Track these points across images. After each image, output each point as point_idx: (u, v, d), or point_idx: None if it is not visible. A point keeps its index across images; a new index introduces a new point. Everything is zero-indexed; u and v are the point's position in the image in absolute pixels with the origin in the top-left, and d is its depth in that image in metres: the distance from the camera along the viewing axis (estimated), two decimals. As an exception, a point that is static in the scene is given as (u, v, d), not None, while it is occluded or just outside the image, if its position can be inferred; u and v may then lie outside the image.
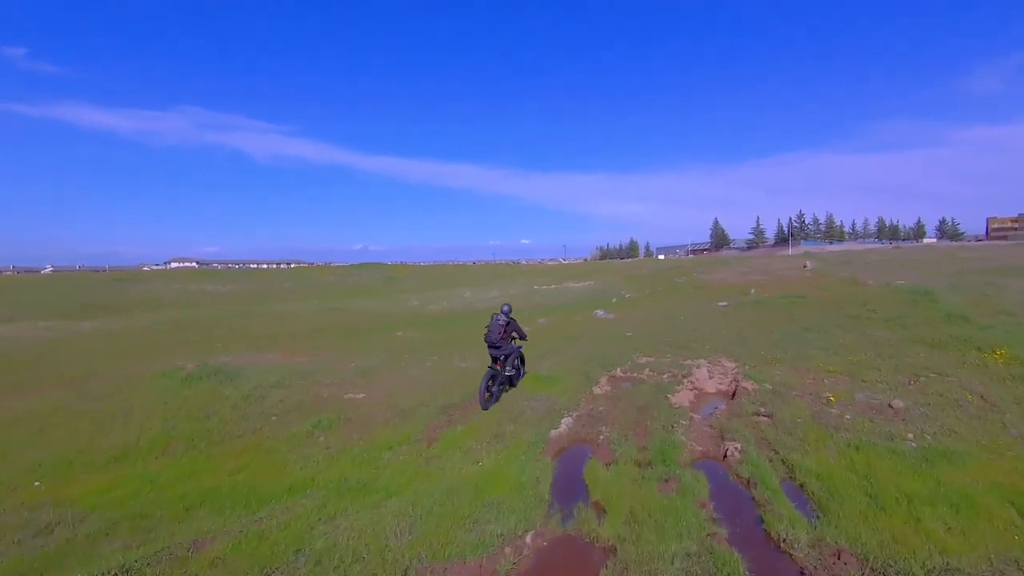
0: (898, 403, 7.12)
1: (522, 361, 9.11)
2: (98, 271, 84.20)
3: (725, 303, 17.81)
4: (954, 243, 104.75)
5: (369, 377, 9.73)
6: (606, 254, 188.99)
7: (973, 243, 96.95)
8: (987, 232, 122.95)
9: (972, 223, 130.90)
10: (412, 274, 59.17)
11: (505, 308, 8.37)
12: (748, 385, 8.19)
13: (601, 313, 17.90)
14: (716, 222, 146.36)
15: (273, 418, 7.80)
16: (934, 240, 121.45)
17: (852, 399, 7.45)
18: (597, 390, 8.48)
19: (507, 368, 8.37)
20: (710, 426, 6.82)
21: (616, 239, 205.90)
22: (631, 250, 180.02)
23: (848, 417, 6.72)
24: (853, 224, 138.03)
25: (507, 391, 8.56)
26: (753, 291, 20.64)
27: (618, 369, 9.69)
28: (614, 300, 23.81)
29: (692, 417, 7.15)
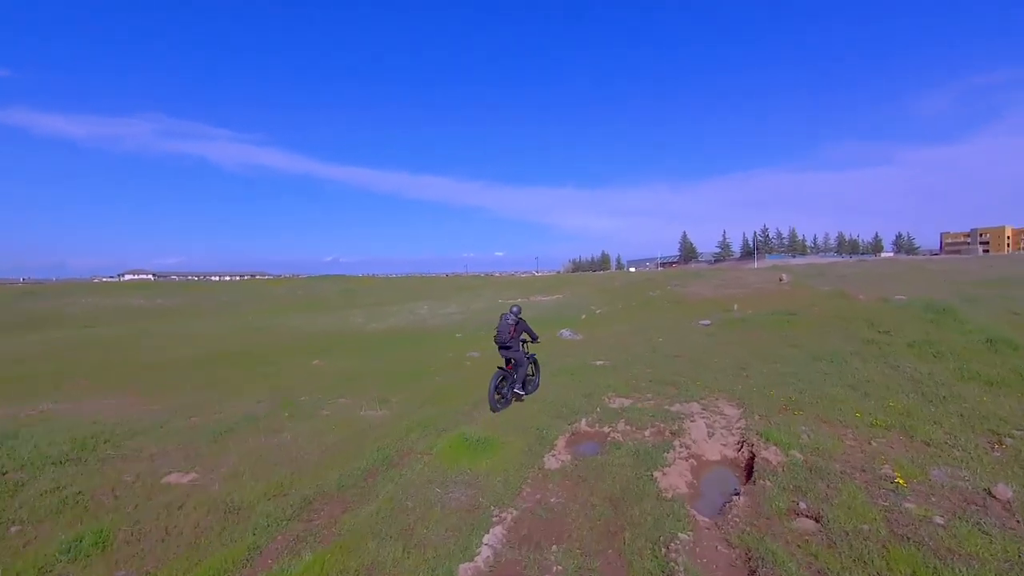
0: (1003, 490, 4.65)
1: (537, 368, 8.76)
2: (10, 284, 76.52)
3: (708, 321, 15.49)
4: (916, 256, 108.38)
5: (221, 442, 6.67)
6: (578, 267, 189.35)
7: (934, 257, 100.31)
8: (941, 246, 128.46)
9: (926, 238, 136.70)
10: (373, 287, 55.39)
11: (515, 309, 8.15)
12: (768, 451, 5.60)
13: (567, 334, 15.29)
14: (684, 236, 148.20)
15: (12, 529, 4.68)
16: (891, 254, 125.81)
17: (927, 479, 4.95)
18: (551, 462, 5.72)
19: (517, 385, 7.95)
20: (727, 542, 4.15)
21: (588, 252, 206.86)
22: (603, 263, 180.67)
23: (940, 522, 4.20)
24: (815, 238, 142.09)
25: (520, 400, 8.03)
26: (736, 307, 18.54)
27: (583, 421, 6.97)
28: (583, 317, 21.35)
29: (695, 520, 4.47)
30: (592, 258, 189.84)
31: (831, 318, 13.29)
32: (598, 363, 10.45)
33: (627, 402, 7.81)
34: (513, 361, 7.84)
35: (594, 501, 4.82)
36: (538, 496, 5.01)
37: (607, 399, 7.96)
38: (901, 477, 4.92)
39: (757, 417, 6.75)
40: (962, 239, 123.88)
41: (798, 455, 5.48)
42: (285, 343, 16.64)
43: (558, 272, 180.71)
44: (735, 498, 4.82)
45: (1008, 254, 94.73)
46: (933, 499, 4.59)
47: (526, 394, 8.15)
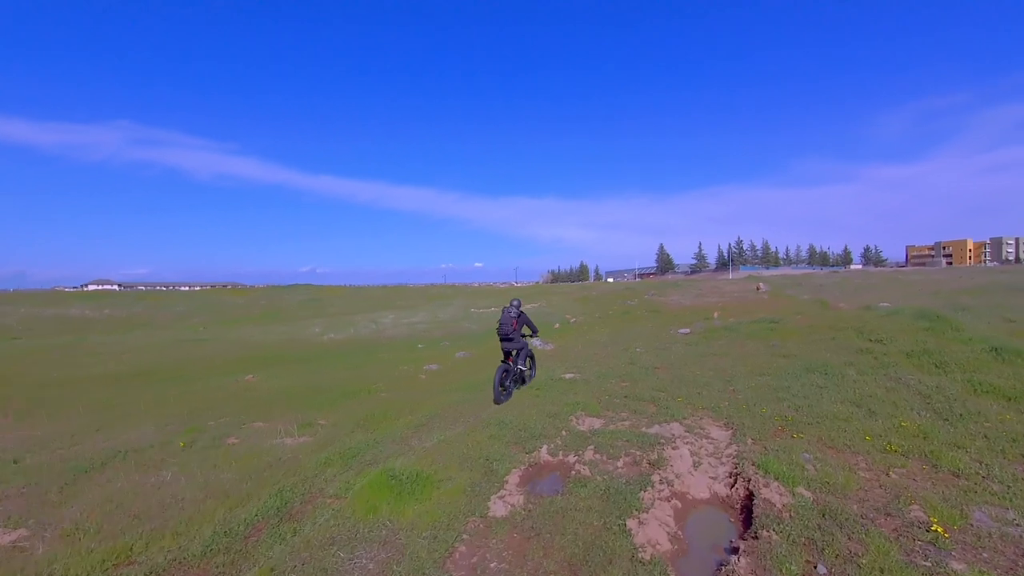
0: (1071, 540, 3.63)
1: (533, 361, 8.94)
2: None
3: (687, 330, 14.54)
4: (886, 268, 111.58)
5: (81, 482, 5.21)
6: (557, 277, 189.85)
7: (903, 268, 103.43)
8: (907, 259, 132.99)
9: (892, 251, 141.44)
10: (341, 296, 53.23)
11: (515, 302, 8.37)
12: (769, 488, 4.48)
13: (537, 343, 14.11)
14: (661, 247, 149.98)
15: None
16: (860, 266, 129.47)
17: (968, 524, 3.90)
18: (498, 507, 4.47)
19: (519, 363, 8.22)
20: (727, 634, 2.98)
21: (567, 263, 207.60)
22: (581, 273, 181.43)
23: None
24: (787, 250, 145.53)
25: (519, 389, 8.26)
26: (716, 315, 17.73)
27: (544, 448, 5.75)
28: (557, 326, 20.25)
29: (682, 595, 3.30)
30: (571, 269, 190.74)
31: (817, 326, 12.47)
32: (568, 376, 9.28)
33: (598, 423, 6.64)
34: (514, 352, 8.12)
35: (548, 567, 3.60)
36: (474, 559, 3.75)
37: (575, 420, 6.77)
38: (938, 523, 3.85)
39: (750, 441, 5.66)
40: (926, 252, 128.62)
41: (806, 493, 4.37)
42: (224, 356, 14.96)
43: (537, 283, 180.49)
44: (732, 557, 3.66)
45: (970, 266, 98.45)
46: (985, 554, 3.53)
47: (524, 384, 8.60)
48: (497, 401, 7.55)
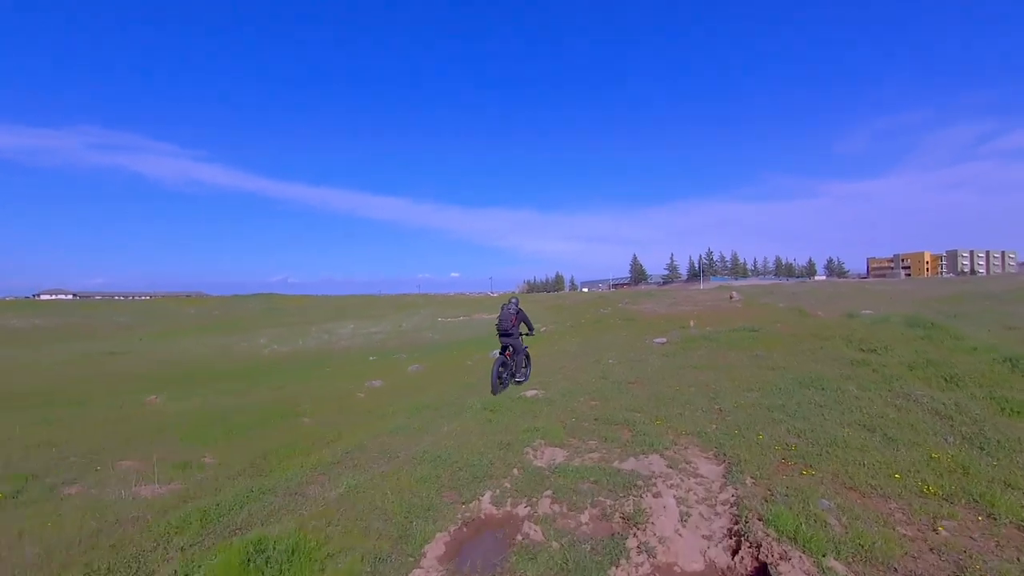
0: None
1: (528, 360, 9.14)
2: None
3: (663, 339, 13.47)
4: (850, 279, 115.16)
5: None
6: (533, 287, 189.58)
7: (866, 279, 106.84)
8: (868, 270, 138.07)
9: (854, 262, 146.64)
10: (303, 306, 50.51)
11: (515, 300, 8.91)
12: (786, 560, 3.22)
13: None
14: (635, 258, 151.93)
15: None
16: (823, 277, 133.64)
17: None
18: (403, 599, 3.06)
19: (517, 373, 8.66)
20: None
21: (544, 274, 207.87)
22: (557, 283, 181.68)
23: None
24: (755, 261, 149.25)
25: (515, 383, 8.61)
26: (692, 323, 16.79)
27: (486, 496, 4.38)
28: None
29: None
30: (547, 279, 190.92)
31: (801, 335, 11.57)
32: (530, 394, 7.94)
33: (561, 455, 5.32)
34: (512, 348, 8.45)
35: None
36: None
37: (532, 451, 5.42)
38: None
39: (750, 481, 4.44)
40: (886, 264, 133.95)
41: (839, 568, 3.13)
42: (137, 372, 12.95)
43: (513, 292, 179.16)
44: None
45: (928, 277, 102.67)
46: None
47: (519, 383, 8.77)
48: (495, 392, 7.86)
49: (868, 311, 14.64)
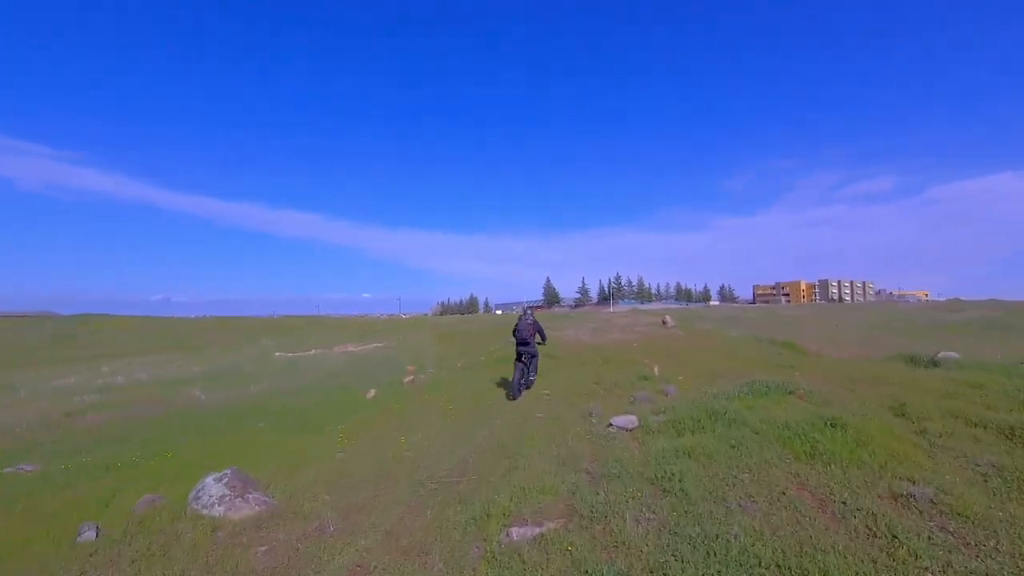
0: None
1: (536, 369, 9.65)
2: None
3: (626, 421, 6.32)
4: (740, 304, 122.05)
5: None
6: (447, 309, 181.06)
7: (753, 304, 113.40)
8: (754, 297, 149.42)
9: (741, 289, 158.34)
10: (119, 329, 37.28)
11: (529, 311, 9.74)
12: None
13: (216, 505, 4.88)
14: (548, 280, 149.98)
15: None
16: (717, 302, 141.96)
17: None
18: None
19: (531, 371, 9.33)
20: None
21: (458, 295, 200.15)
22: (471, 305, 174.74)
23: None
24: (658, 287, 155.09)
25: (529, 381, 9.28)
26: (656, 370, 10.31)
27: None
28: (371, 394, 11.15)
29: None
30: (461, 300, 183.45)
31: (893, 402, 5.30)
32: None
33: None
34: (527, 355, 9.17)
35: None
36: None
37: None
38: None
39: None
40: (769, 291, 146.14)
41: None
42: None
43: (426, 314, 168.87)
44: None
45: (807, 303, 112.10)
46: None
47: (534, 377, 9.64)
48: (515, 397, 8.66)
49: (949, 353, 9.01)
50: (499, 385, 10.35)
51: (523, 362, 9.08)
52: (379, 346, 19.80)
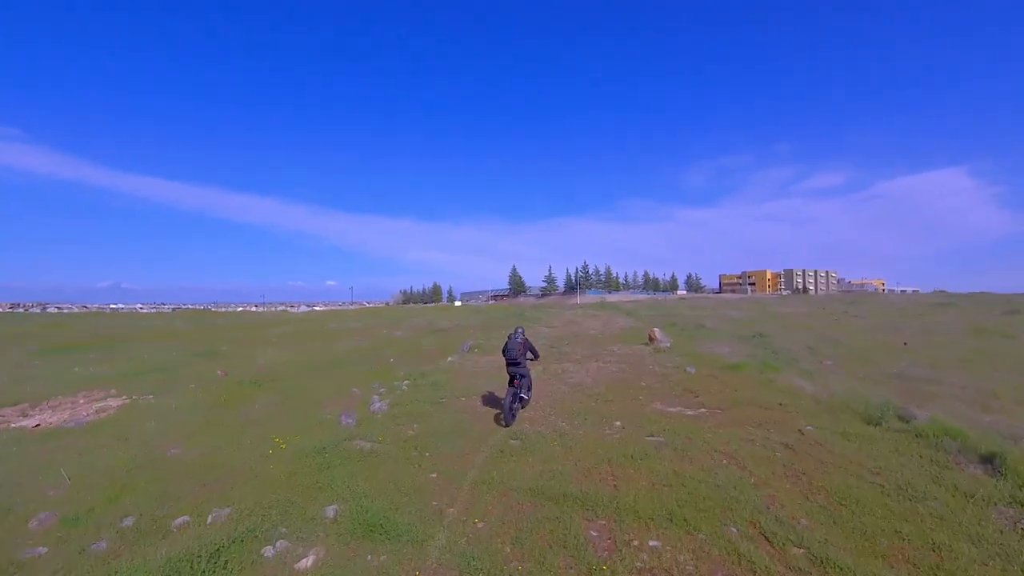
0: None
1: (529, 387, 9.21)
2: None
3: None
4: (708, 295, 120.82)
5: None
6: (409, 298, 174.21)
7: (720, 294, 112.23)
8: (720, 286, 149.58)
9: (708, 278, 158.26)
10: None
11: (520, 329, 8.94)
12: None
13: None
14: (514, 269, 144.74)
15: None
16: (684, 292, 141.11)
17: None
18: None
19: (522, 391, 8.74)
20: None
21: (421, 284, 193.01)
22: (434, 294, 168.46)
23: None
24: (626, 276, 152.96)
25: (521, 399, 8.76)
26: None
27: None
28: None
29: None
30: (424, 289, 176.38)
31: None
32: None
33: None
34: (519, 376, 8.58)
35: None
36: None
37: None
38: None
39: None
40: (735, 280, 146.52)
41: None
42: None
43: (386, 303, 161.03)
44: None
45: (772, 293, 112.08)
46: None
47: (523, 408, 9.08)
48: (508, 423, 8.11)
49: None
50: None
51: (514, 385, 8.58)
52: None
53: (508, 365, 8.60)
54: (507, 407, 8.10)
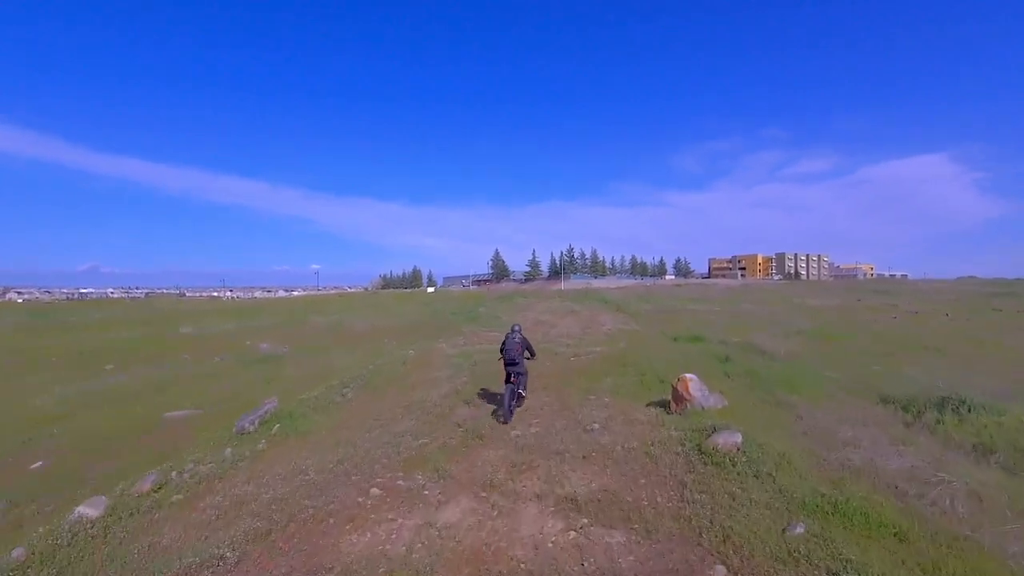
0: None
1: (526, 385, 9.43)
2: None
3: None
4: (694, 280, 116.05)
5: None
6: (389, 283, 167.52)
7: (708, 279, 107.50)
8: (709, 271, 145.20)
9: (697, 263, 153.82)
10: None
11: (517, 327, 8.96)
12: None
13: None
14: (497, 253, 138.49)
15: None
16: (673, 277, 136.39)
17: None
18: None
19: (520, 388, 8.94)
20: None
21: (402, 268, 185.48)
22: (414, 279, 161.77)
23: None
24: (613, 260, 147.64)
25: (519, 396, 8.93)
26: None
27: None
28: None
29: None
30: (404, 274, 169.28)
31: None
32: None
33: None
34: (516, 374, 8.72)
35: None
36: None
37: None
38: None
39: None
40: (725, 265, 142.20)
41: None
42: None
43: (366, 288, 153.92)
44: None
45: (762, 277, 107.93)
46: None
47: (519, 405, 9.13)
48: (507, 421, 8.18)
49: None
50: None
51: (512, 383, 8.61)
52: None
53: (506, 365, 8.75)
54: (506, 404, 8.33)
